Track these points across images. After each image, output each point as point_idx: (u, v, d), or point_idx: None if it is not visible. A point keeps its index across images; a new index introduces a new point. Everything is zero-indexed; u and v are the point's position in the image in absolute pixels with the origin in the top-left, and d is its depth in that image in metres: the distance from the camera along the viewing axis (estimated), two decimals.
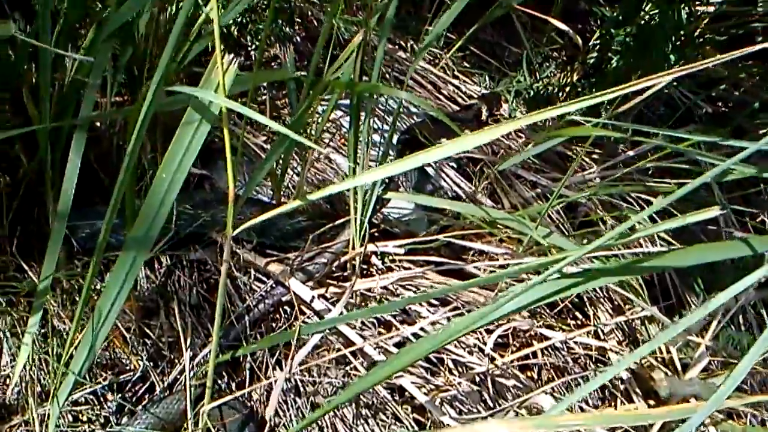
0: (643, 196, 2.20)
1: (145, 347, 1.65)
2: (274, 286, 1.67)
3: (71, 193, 1.37)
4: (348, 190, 1.59)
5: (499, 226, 1.70)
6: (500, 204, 2.15)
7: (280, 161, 1.71)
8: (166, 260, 1.74)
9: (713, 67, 2.47)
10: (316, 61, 1.49)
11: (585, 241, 2.01)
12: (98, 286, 1.64)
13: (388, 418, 1.67)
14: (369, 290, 1.69)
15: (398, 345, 1.61)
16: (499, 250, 1.63)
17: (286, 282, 1.60)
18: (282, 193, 1.83)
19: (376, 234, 1.79)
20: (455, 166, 2.19)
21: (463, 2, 1.75)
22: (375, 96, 1.66)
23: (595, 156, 2.35)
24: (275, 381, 1.52)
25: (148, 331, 1.65)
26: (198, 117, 1.13)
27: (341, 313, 1.53)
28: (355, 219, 1.62)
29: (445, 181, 2.13)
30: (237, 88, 1.50)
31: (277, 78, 1.93)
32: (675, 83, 2.40)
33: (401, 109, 2.23)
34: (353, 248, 1.66)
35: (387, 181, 1.87)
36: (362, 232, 1.65)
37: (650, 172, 2.31)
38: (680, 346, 1.70)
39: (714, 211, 0.99)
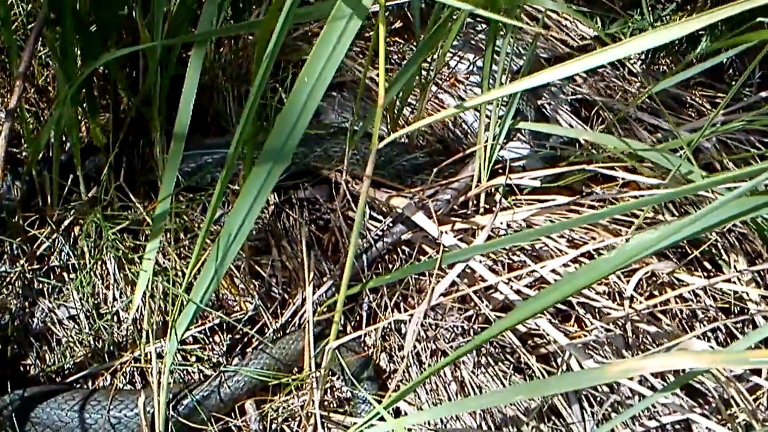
0: None
1: (255, 288, 1.55)
2: (391, 225, 1.56)
3: (189, 112, 1.26)
4: (477, 116, 1.46)
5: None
6: None
7: (400, 94, 1.59)
8: (274, 197, 1.64)
9: None
10: None
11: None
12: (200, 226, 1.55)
13: (508, 368, 1.55)
14: (494, 231, 1.56)
15: (530, 287, 1.49)
16: (648, 179, 1.47)
17: (412, 216, 1.48)
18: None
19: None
20: (570, 109, 2.04)
21: None
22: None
23: (718, 101, 2.18)
24: (409, 318, 1.40)
25: (259, 269, 1.55)
26: (348, 11, 1.00)
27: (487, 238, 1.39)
28: (485, 148, 1.49)
29: (560, 125, 1.99)
30: None
31: None
32: None
33: (513, 49, 2.09)
34: (479, 182, 1.53)
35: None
36: (490, 166, 1.52)
37: None
38: None
39: None
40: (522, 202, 1.62)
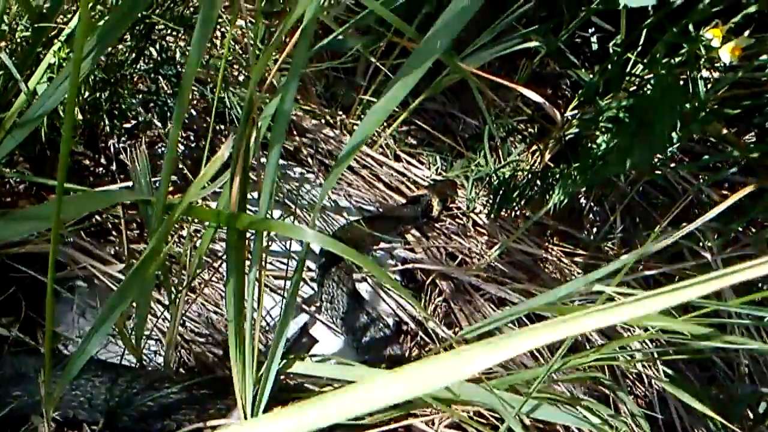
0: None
1: None
2: None
3: None
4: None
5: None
6: (457, 327, 1.62)
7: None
8: None
9: (717, 140, 2.01)
10: (168, 176, 0.91)
11: (579, 389, 1.49)
12: None
13: None
14: None
15: None
16: None
17: None
18: (147, 339, 1.27)
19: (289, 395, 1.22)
20: (400, 278, 1.65)
21: (415, 77, 1.08)
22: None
23: (577, 259, 1.84)
24: None
25: None
26: None
27: None
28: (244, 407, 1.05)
29: (386, 302, 1.59)
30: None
31: (102, 205, 1.28)
32: (673, 165, 1.91)
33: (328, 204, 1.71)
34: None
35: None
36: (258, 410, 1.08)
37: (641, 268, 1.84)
38: None
39: None
40: None
